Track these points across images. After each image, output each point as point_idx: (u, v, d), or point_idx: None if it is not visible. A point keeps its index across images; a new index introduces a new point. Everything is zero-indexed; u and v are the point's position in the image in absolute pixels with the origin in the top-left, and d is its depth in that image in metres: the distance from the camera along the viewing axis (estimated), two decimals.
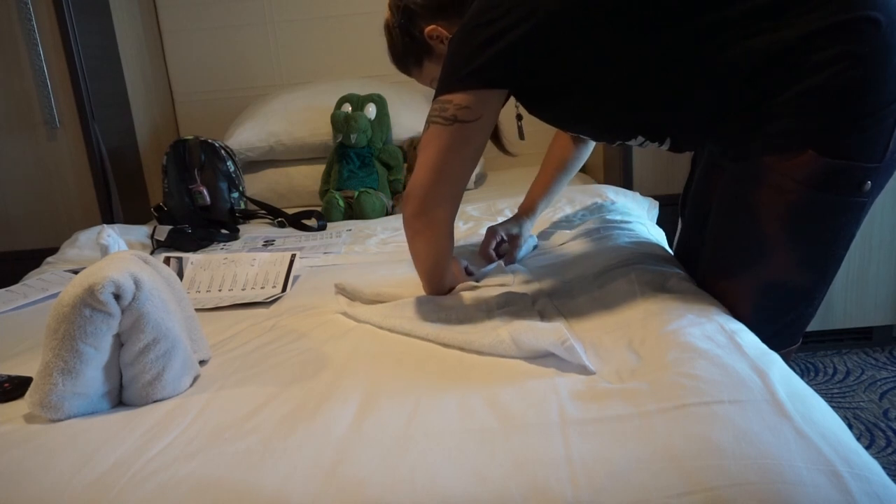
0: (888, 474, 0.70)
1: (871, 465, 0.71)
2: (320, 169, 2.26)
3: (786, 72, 0.99)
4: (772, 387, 0.82)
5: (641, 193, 1.95)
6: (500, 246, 1.49)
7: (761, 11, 0.99)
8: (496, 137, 1.34)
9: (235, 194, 2.15)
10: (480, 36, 1.05)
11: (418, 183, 1.12)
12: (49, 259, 1.81)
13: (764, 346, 0.97)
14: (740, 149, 1.07)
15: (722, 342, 0.96)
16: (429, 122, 1.13)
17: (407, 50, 1.27)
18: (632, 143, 1.18)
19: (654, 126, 1.13)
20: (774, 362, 0.90)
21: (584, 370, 0.93)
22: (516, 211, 1.58)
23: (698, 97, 1.05)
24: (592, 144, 1.53)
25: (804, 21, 0.97)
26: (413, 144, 2.25)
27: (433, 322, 1.12)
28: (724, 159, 1.14)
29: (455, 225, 1.85)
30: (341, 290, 1.32)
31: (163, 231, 1.83)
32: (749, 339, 0.99)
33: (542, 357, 0.98)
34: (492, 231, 1.48)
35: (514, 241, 1.49)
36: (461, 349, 1.04)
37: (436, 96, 1.11)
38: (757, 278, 1.10)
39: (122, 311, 0.90)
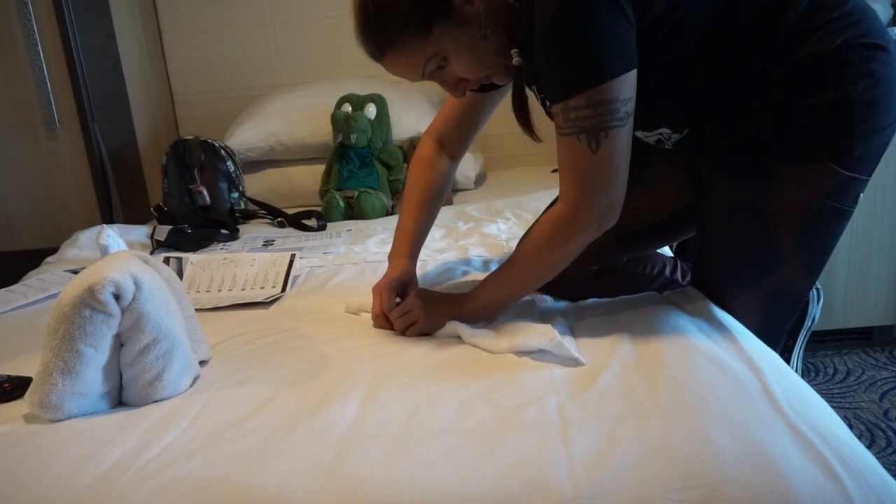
0: (889, 475, 0.70)
1: (865, 457, 0.72)
2: (320, 169, 2.26)
3: (812, 80, 1.00)
4: (767, 384, 0.84)
5: None
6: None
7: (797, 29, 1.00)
8: (527, 122, 1.15)
9: (235, 194, 2.15)
10: (601, 16, 0.91)
11: (591, 195, 0.97)
12: (49, 259, 1.81)
13: (761, 344, 0.98)
14: (757, 157, 1.05)
15: (719, 340, 0.97)
16: (599, 129, 0.93)
17: (418, 7, 0.96)
18: (650, 136, 1.14)
19: (677, 119, 1.09)
20: (770, 360, 0.91)
21: (583, 369, 0.93)
22: (391, 258, 1.30)
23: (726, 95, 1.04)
24: (457, 164, 1.35)
25: (831, 38, 0.99)
26: (413, 144, 2.25)
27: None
28: (719, 173, 1.12)
29: (454, 225, 1.85)
30: (353, 312, 1.27)
31: (163, 231, 1.83)
32: (746, 336, 1.00)
33: (542, 355, 0.98)
34: (386, 289, 1.19)
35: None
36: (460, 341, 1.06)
37: (578, 91, 0.92)
38: (768, 287, 1.11)
39: (122, 312, 0.90)
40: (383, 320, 1.16)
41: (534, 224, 1.04)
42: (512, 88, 1.10)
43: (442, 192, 1.32)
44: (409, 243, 1.28)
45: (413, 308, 1.12)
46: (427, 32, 0.97)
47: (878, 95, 1.00)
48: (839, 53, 0.99)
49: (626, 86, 0.93)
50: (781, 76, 1.01)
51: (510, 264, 1.09)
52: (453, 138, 1.31)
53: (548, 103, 1.00)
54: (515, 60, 1.01)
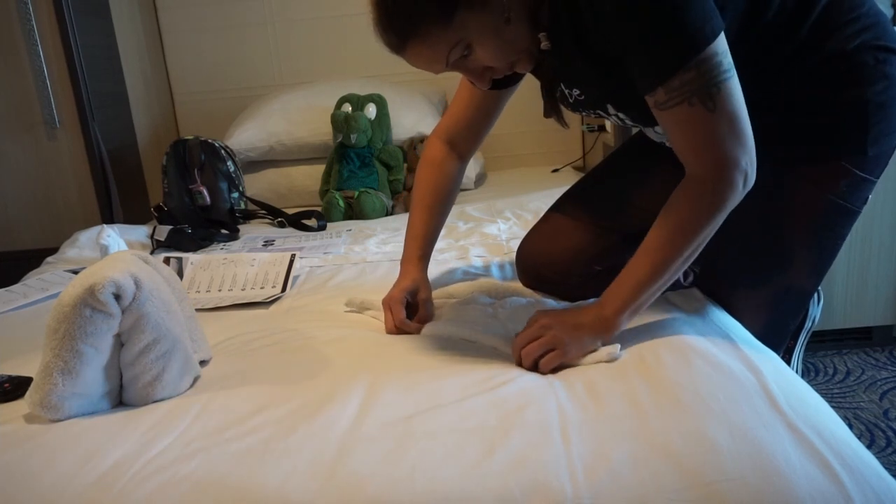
0: (889, 475, 0.71)
1: (864, 457, 0.72)
2: (320, 169, 2.26)
3: (830, 79, 1.01)
4: (767, 384, 0.84)
5: None
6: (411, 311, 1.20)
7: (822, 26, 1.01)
8: (555, 107, 1.15)
9: (235, 194, 2.15)
10: None
11: (727, 154, 0.90)
12: (49, 259, 1.81)
13: (759, 344, 0.98)
14: (772, 156, 1.04)
15: (718, 341, 0.97)
16: (710, 87, 0.89)
17: None
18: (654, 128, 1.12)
19: None
20: (770, 360, 0.92)
21: (582, 369, 0.93)
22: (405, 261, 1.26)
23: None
24: (466, 165, 1.33)
25: (850, 39, 1.00)
26: (413, 144, 2.25)
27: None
28: None
29: (454, 225, 1.85)
30: (353, 308, 1.28)
31: (163, 231, 1.83)
32: (744, 336, 1.00)
33: None
34: (398, 302, 1.17)
35: (424, 303, 1.20)
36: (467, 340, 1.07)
37: (688, 59, 0.88)
38: (776, 286, 1.11)
39: (123, 312, 0.90)
40: (399, 332, 1.14)
41: (660, 215, 0.96)
42: (541, 74, 1.09)
43: (451, 194, 1.30)
44: (419, 248, 1.25)
45: (544, 332, 0.97)
46: (449, 19, 0.91)
47: (892, 98, 1.01)
48: (857, 54, 0.99)
49: (722, 41, 0.89)
50: (801, 75, 1.01)
51: (647, 257, 0.96)
52: (463, 138, 1.28)
53: (645, 88, 0.93)
54: (544, 45, 0.98)
